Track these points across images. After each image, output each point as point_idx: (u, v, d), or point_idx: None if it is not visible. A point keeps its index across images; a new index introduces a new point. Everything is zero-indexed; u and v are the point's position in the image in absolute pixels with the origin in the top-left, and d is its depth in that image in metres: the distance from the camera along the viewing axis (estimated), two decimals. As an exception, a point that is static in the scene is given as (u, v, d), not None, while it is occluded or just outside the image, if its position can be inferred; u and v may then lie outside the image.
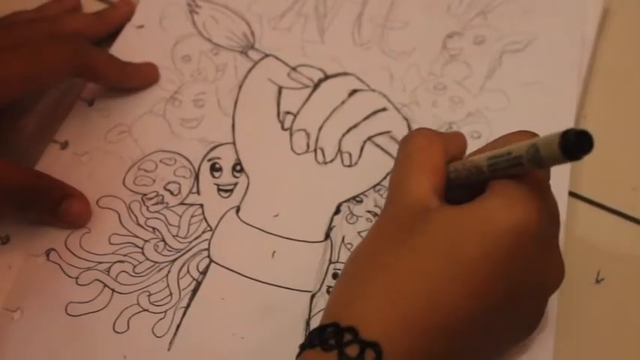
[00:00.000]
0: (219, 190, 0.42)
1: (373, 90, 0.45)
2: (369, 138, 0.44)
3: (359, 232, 0.41)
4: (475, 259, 0.29)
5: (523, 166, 0.29)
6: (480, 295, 0.30)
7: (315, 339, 0.30)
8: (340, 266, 0.39)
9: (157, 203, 0.42)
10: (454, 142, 0.35)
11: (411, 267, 0.30)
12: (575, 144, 0.27)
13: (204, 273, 0.39)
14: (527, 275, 0.31)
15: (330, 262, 0.40)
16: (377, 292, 0.30)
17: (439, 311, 0.29)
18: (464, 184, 0.33)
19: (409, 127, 0.44)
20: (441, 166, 0.33)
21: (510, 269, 0.30)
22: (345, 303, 0.31)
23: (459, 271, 0.29)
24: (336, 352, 0.29)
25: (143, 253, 0.40)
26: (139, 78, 0.46)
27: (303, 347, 0.30)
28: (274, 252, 0.40)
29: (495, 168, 0.31)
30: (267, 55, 0.47)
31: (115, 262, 0.40)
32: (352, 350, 0.28)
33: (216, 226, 0.41)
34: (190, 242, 0.41)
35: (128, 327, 0.38)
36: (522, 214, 0.30)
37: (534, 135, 0.32)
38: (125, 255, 0.40)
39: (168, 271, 0.40)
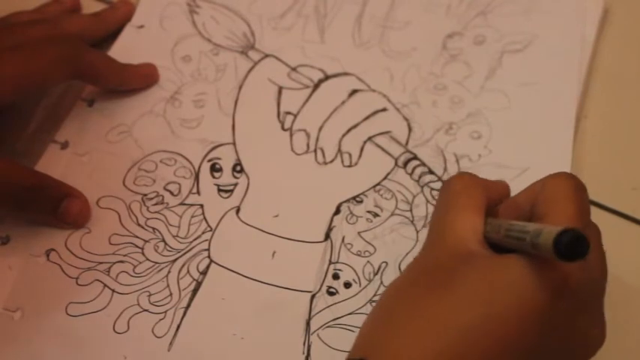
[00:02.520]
0: (219, 190, 0.42)
1: (373, 90, 0.45)
2: (369, 138, 0.44)
3: (359, 233, 0.41)
4: (512, 317, 0.28)
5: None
6: (513, 353, 0.29)
7: None
8: (340, 266, 0.39)
9: (157, 203, 0.42)
10: (496, 189, 0.35)
11: (447, 314, 0.29)
12: (569, 246, 0.26)
13: (204, 273, 0.39)
14: (566, 334, 0.30)
15: (330, 263, 0.40)
16: (411, 335, 0.29)
17: (468, 359, 0.28)
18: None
19: (409, 127, 0.44)
20: (482, 210, 0.32)
21: (535, 334, 0.29)
22: (378, 340, 0.30)
23: (494, 327, 0.28)
24: None
25: (143, 254, 0.40)
26: (137, 80, 0.46)
27: None
28: (274, 252, 0.40)
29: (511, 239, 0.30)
30: (267, 56, 0.47)
31: (115, 263, 0.40)
32: None
33: (217, 226, 0.41)
34: (190, 242, 0.40)
35: (128, 327, 0.38)
36: (538, 289, 0.29)
37: (572, 184, 0.31)
38: (125, 255, 0.40)
39: (169, 272, 0.40)
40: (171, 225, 0.41)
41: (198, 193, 0.42)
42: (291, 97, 0.45)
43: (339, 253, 0.40)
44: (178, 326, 0.38)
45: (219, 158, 0.43)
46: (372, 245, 0.40)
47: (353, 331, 0.38)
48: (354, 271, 0.39)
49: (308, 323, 0.38)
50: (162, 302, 0.39)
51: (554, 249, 0.26)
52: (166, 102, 0.45)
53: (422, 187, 0.42)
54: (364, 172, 0.43)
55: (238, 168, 0.43)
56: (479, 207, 0.32)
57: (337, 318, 0.38)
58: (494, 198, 0.34)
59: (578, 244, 0.26)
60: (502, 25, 0.47)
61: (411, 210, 0.41)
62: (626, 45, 0.47)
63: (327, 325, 0.38)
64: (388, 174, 0.42)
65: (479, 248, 0.31)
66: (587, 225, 0.31)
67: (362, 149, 0.43)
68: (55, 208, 0.40)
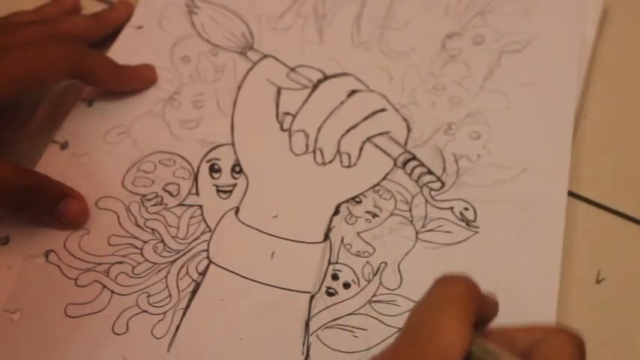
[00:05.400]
0: (218, 191, 0.42)
1: (372, 90, 0.45)
2: (368, 138, 0.44)
3: (358, 233, 0.40)
4: None
5: None
6: None
7: None
8: (339, 267, 0.39)
9: (156, 204, 0.42)
10: (489, 305, 0.31)
11: None
12: None
13: (203, 274, 0.39)
14: None
15: (330, 263, 0.40)
16: None
17: None
18: None
19: (408, 127, 0.44)
20: (472, 324, 0.29)
21: None
22: None
23: None
24: None
25: (142, 254, 0.40)
26: (135, 81, 0.46)
27: None
28: (273, 253, 0.40)
29: None
30: (266, 56, 0.47)
31: (114, 264, 0.40)
32: None
33: (216, 227, 0.41)
34: (189, 243, 0.40)
35: (127, 328, 0.38)
36: None
37: (578, 349, 0.29)
38: (124, 256, 0.40)
39: (168, 272, 0.40)
40: (170, 226, 0.41)
41: (197, 193, 0.42)
42: (290, 97, 0.45)
43: (338, 253, 0.40)
44: (177, 327, 0.38)
45: (218, 159, 0.43)
46: (372, 245, 0.40)
47: (352, 332, 0.38)
48: (354, 271, 0.39)
49: (307, 324, 0.38)
50: (162, 303, 0.39)
51: None
52: (165, 102, 0.45)
53: (421, 187, 0.42)
54: (363, 172, 0.43)
55: (237, 169, 0.43)
56: (470, 319, 0.29)
57: (336, 318, 0.38)
58: (486, 312, 0.31)
59: None
60: (501, 25, 0.47)
61: (410, 210, 0.41)
62: (626, 45, 0.47)
63: (326, 325, 0.38)
64: (387, 174, 0.42)
65: None
66: None
67: (361, 150, 0.43)
68: (54, 208, 0.40)
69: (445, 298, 0.29)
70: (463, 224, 0.40)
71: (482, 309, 0.30)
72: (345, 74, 0.46)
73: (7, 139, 0.45)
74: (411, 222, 0.41)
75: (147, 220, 0.41)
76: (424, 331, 0.29)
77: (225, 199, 0.42)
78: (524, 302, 0.37)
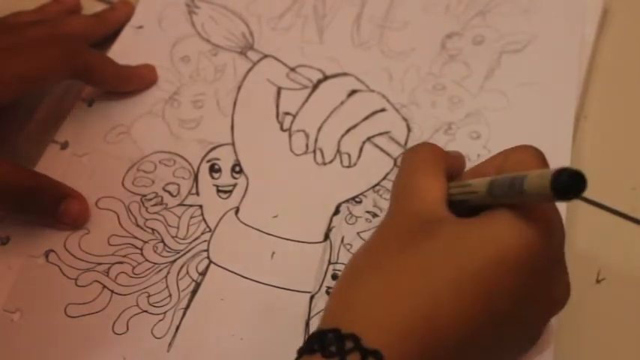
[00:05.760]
0: (218, 191, 0.42)
1: (372, 90, 0.45)
2: (368, 138, 0.44)
3: (358, 233, 0.40)
4: (482, 271, 0.29)
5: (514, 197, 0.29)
6: (484, 307, 0.29)
7: (315, 344, 0.29)
8: (340, 267, 0.39)
9: (156, 204, 0.42)
10: (456, 159, 0.36)
11: (414, 273, 0.30)
12: (569, 183, 0.26)
13: (203, 274, 0.39)
14: (533, 292, 0.31)
15: (330, 263, 0.40)
16: (378, 293, 0.30)
17: (441, 319, 0.29)
18: (458, 203, 0.33)
19: (408, 127, 0.44)
20: (444, 176, 0.33)
21: (516, 285, 0.30)
22: (346, 306, 0.31)
23: (465, 281, 0.29)
24: None
25: (142, 254, 0.40)
26: (135, 82, 0.46)
27: (301, 352, 0.30)
28: (273, 253, 0.40)
29: (495, 194, 0.30)
30: (266, 56, 0.47)
31: (114, 264, 0.40)
32: (353, 358, 0.28)
33: (216, 227, 0.41)
34: (189, 243, 0.40)
35: (127, 328, 0.38)
36: (529, 234, 0.29)
37: (536, 153, 0.32)
38: (124, 256, 0.40)
39: (168, 272, 0.40)
40: (170, 226, 0.41)
41: (197, 193, 0.42)
42: (290, 97, 0.45)
43: (338, 253, 0.40)
44: (178, 327, 0.38)
45: (218, 159, 0.43)
46: (372, 246, 0.40)
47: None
48: (354, 271, 0.39)
49: (307, 324, 0.38)
50: (162, 303, 0.39)
51: (553, 188, 0.26)
52: (165, 102, 0.45)
53: (421, 187, 0.42)
54: (363, 172, 0.43)
55: (237, 168, 0.43)
56: (441, 173, 0.33)
57: (336, 318, 0.38)
58: (454, 167, 0.35)
59: (577, 181, 0.26)
60: (501, 25, 0.47)
61: (410, 210, 0.41)
62: (626, 45, 0.47)
63: (326, 325, 0.38)
64: (387, 174, 0.42)
65: (445, 211, 0.32)
66: None
67: (361, 149, 0.43)
68: (54, 209, 0.40)
69: (415, 162, 0.34)
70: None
71: (450, 164, 0.34)
72: (345, 74, 0.46)
73: (7, 139, 0.45)
74: (411, 222, 0.41)
75: (147, 220, 0.41)
76: (404, 192, 0.33)
77: (225, 199, 0.42)
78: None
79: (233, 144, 0.44)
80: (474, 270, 0.29)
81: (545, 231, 0.30)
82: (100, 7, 0.50)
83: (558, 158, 0.42)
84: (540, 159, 0.32)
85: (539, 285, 0.31)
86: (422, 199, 0.32)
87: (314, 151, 0.43)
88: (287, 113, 0.45)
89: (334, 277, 0.39)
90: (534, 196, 0.28)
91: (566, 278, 0.33)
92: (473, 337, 0.30)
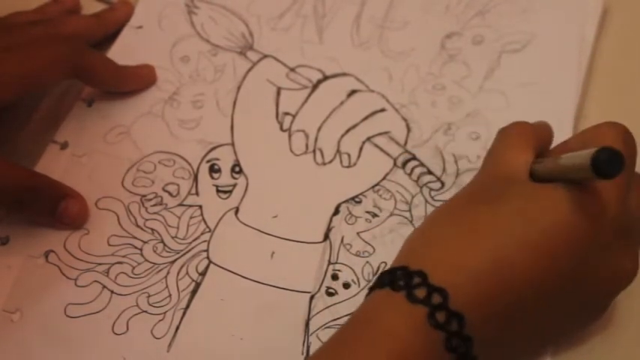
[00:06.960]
0: (218, 191, 0.42)
1: (372, 90, 0.45)
2: (368, 138, 0.44)
3: (358, 233, 0.40)
4: (550, 231, 0.31)
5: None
6: (548, 267, 0.31)
7: (385, 280, 0.31)
8: (339, 267, 0.39)
9: (155, 204, 0.42)
10: (547, 133, 0.38)
11: (487, 224, 0.31)
12: (605, 162, 0.28)
13: (203, 274, 0.39)
14: (597, 263, 0.32)
15: (329, 263, 0.40)
16: (450, 238, 0.32)
17: (506, 271, 0.30)
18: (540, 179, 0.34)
19: (408, 127, 0.44)
20: (533, 151, 0.35)
21: (573, 255, 0.31)
22: (417, 248, 0.33)
23: (532, 239, 0.30)
24: (404, 293, 0.30)
25: (142, 255, 0.40)
26: (134, 81, 0.46)
27: (372, 289, 0.32)
28: (273, 253, 0.40)
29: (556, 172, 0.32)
30: (265, 56, 0.47)
31: (113, 264, 0.40)
32: (420, 292, 0.30)
33: (215, 227, 0.41)
34: (189, 243, 0.40)
35: (127, 328, 0.38)
36: (578, 210, 0.31)
37: (614, 130, 0.33)
38: (124, 256, 0.40)
39: (168, 273, 0.40)
40: (170, 226, 0.41)
41: (197, 193, 0.42)
42: (290, 97, 0.45)
43: (338, 253, 0.40)
44: (177, 327, 0.38)
45: (217, 159, 0.43)
46: (371, 245, 0.40)
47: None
48: (353, 271, 0.39)
49: (307, 324, 0.38)
50: (162, 303, 0.39)
51: (592, 165, 0.28)
52: (165, 103, 0.45)
53: (421, 187, 0.42)
54: (363, 172, 0.43)
55: (237, 169, 0.43)
56: (530, 147, 0.35)
57: (336, 319, 0.38)
58: (546, 141, 0.37)
59: (615, 161, 0.28)
60: (501, 24, 0.47)
61: (410, 210, 0.41)
62: (626, 45, 0.47)
63: (326, 325, 0.38)
64: (387, 174, 0.42)
65: (525, 177, 0.33)
66: (629, 166, 0.33)
67: (361, 149, 0.43)
68: (54, 209, 0.40)
69: (505, 136, 0.36)
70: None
71: (542, 138, 0.36)
72: (344, 74, 0.46)
73: (7, 139, 0.45)
74: (411, 222, 0.41)
75: (147, 220, 0.41)
76: (492, 161, 0.35)
77: (225, 199, 0.42)
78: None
79: (233, 144, 0.44)
80: (541, 228, 0.31)
81: (597, 212, 0.31)
82: (99, 7, 0.50)
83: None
84: (617, 134, 0.33)
85: (594, 259, 0.32)
86: (506, 164, 0.34)
87: (314, 151, 0.43)
88: (287, 113, 0.45)
89: (334, 277, 0.39)
90: (580, 172, 0.30)
91: (632, 253, 0.34)
92: (536, 294, 0.31)
